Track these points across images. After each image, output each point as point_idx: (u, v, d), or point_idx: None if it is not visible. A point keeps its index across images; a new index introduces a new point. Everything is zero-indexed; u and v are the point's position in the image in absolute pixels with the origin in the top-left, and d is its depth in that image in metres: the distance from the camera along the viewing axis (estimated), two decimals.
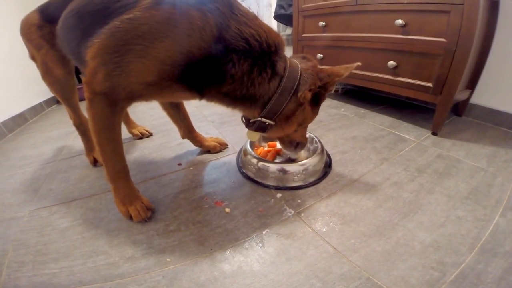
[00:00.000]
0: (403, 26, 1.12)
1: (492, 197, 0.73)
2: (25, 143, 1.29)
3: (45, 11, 0.78)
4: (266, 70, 0.60)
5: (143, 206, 0.69)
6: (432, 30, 1.04)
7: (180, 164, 0.95)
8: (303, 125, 0.73)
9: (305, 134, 0.80)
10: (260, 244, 0.61)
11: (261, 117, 0.65)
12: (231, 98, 0.62)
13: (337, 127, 1.23)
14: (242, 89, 0.60)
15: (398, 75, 1.22)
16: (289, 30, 2.08)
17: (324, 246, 0.59)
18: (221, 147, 1.02)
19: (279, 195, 0.76)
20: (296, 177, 0.79)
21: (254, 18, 0.60)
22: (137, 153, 1.06)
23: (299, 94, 0.64)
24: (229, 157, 0.99)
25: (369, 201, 0.72)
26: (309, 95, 0.64)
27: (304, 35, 1.61)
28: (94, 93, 0.57)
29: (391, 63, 1.20)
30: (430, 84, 1.10)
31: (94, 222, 0.70)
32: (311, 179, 0.81)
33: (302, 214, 0.69)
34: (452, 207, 0.69)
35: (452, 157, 0.95)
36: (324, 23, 1.45)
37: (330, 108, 1.48)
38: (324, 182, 0.82)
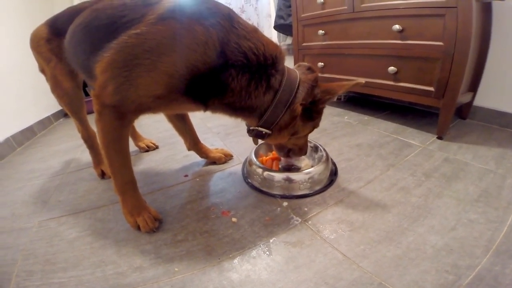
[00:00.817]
0: (401, 31, 1.14)
1: (504, 199, 0.72)
2: (34, 156, 1.32)
3: (53, 25, 0.81)
4: (261, 84, 0.62)
5: (151, 216, 0.69)
6: (429, 34, 1.05)
7: (186, 176, 0.96)
8: (296, 136, 0.74)
9: (301, 143, 0.80)
10: (267, 252, 0.61)
11: (258, 127, 0.68)
12: (232, 108, 0.65)
13: (341, 135, 1.23)
14: (241, 101, 0.62)
15: (400, 81, 1.23)
16: (289, 40, 2.13)
17: (333, 253, 0.58)
18: (226, 158, 1.03)
19: (285, 203, 0.76)
20: (302, 185, 0.79)
21: (254, 31, 0.62)
22: (143, 166, 1.07)
23: (292, 107, 0.65)
24: (234, 167, 0.99)
25: (377, 207, 0.72)
26: (299, 109, 0.66)
27: (304, 44, 1.65)
28: (103, 106, 0.59)
29: (392, 68, 1.22)
30: (431, 88, 1.11)
31: (102, 232, 0.71)
32: (317, 187, 0.81)
33: (309, 222, 0.68)
34: (462, 210, 0.68)
35: (459, 160, 0.94)
36: (323, 31, 1.49)
37: (333, 116, 1.49)
38: (330, 189, 0.82)
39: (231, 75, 0.58)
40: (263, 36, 0.64)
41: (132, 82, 0.56)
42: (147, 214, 0.69)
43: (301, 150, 0.82)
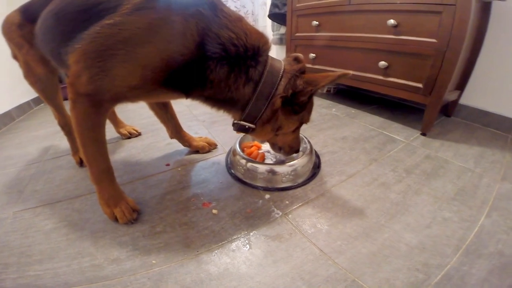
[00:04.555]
0: (395, 26, 1.13)
1: (478, 198, 0.74)
2: (11, 142, 1.26)
3: (26, 11, 0.76)
4: (240, 76, 0.60)
5: (129, 207, 0.68)
6: (423, 30, 1.05)
7: (168, 165, 0.94)
8: (281, 131, 0.71)
9: (290, 140, 0.77)
10: (247, 246, 0.60)
11: (241, 120, 0.66)
12: (213, 101, 0.63)
13: (327, 127, 1.23)
14: (221, 94, 0.61)
15: (389, 76, 1.23)
16: (283, 29, 2.08)
17: (310, 248, 0.59)
18: (210, 147, 1.01)
19: (267, 196, 0.76)
20: (284, 178, 0.79)
21: (238, 19, 0.59)
22: (124, 153, 1.04)
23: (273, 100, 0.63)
24: (218, 157, 0.98)
25: (356, 202, 0.72)
26: (278, 101, 0.63)
27: (297, 34, 1.62)
28: (77, 94, 0.57)
29: (382, 63, 1.21)
30: (420, 85, 1.11)
31: (79, 223, 0.68)
32: (300, 180, 0.81)
33: (290, 216, 0.68)
34: (438, 208, 0.70)
35: (440, 157, 0.96)
36: (317, 22, 1.45)
37: (321, 108, 1.48)
38: (312, 182, 0.82)
39: (209, 67, 0.56)
40: (247, 25, 0.60)
41: (106, 73, 0.53)
42: (125, 205, 0.67)
43: (292, 148, 0.79)
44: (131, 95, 0.58)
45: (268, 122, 0.67)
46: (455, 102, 1.30)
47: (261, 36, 0.62)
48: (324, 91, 1.77)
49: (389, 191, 0.77)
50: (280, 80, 0.62)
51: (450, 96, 1.19)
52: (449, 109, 1.34)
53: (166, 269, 0.55)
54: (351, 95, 1.67)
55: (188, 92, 0.60)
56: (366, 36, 1.26)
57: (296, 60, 0.68)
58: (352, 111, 1.43)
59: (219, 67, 0.56)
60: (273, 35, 2.21)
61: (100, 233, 0.65)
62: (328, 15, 1.42)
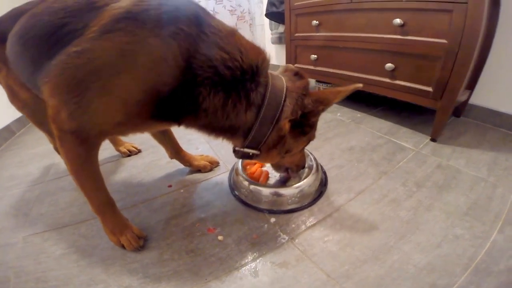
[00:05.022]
0: (402, 25, 1.12)
1: (492, 211, 0.76)
2: (12, 160, 1.31)
3: None
4: (241, 101, 0.56)
5: (134, 236, 0.71)
6: (432, 30, 1.04)
7: (170, 186, 0.97)
8: (290, 153, 0.71)
9: (297, 159, 0.79)
10: (254, 273, 0.64)
11: (244, 147, 0.64)
12: (209, 129, 0.61)
13: (333, 135, 1.25)
14: (219, 122, 0.58)
15: (396, 78, 1.24)
16: (281, 28, 2.10)
17: (317, 274, 0.61)
18: (212, 165, 1.04)
19: (273, 219, 0.79)
20: (290, 200, 0.82)
21: (230, 34, 0.55)
22: (125, 173, 1.08)
23: (279, 123, 0.61)
24: (220, 176, 1.01)
25: (365, 223, 0.75)
26: (287, 126, 0.61)
27: (296, 34, 1.63)
28: (62, 131, 0.55)
29: (389, 65, 1.22)
30: (430, 89, 1.11)
31: (87, 249, 0.73)
32: (306, 201, 0.84)
33: (296, 240, 0.71)
34: (450, 224, 0.72)
35: (452, 167, 0.98)
36: (317, 22, 1.47)
37: (326, 112, 1.48)
38: (319, 202, 0.84)
39: (201, 94, 0.53)
40: (241, 40, 0.56)
41: (85, 109, 0.51)
42: (130, 234, 0.71)
43: (298, 166, 0.81)
44: (118, 130, 0.57)
45: (275, 147, 0.65)
46: (465, 102, 1.31)
47: (259, 52, 0.58)
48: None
49: (400, 208, 0.79)
50: (284, 100, 0.60)
51: (461, 96, 1.20)
52: (458, 109, 1.34)
53: None
54: (356, 96, 1.67)
55: (179, 120, 0.59)
56: (371, 36, 1.27)
57: (297, 75, 0.67)
58: (358, 115, 1.45)
59: (213, 94, 0.53)
60: (272, 34, 2.23)
61: (110, 260, 0.69)
62: (328, 14, 1.43)
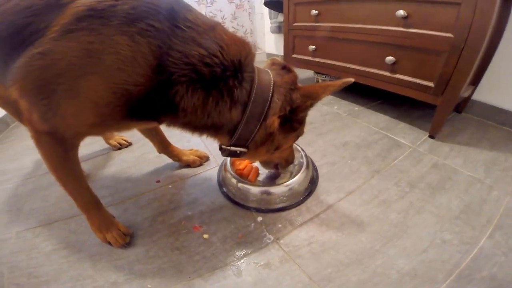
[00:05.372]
0: (405, 17, 1.09)
1: (484, 215, 0.76)
2: (5, 153, 1.32)
3: None
4: (223, 99, 0.55)
5: (120, 233, 0.72)
6: (438, 23, 1.01)
7: (158, 181, 0.98)
8: (280, 149, 0.71)
9: (286, 155, 0.79)
10: (237, 273, 0.65)
11: (230, 146, 0.64)
12: (191, 127, 0.60)
13: (328, 130, 1.25)
14: (200, 121, 0.57)
15: (396, 72, 1.22)
16: (281, 17, 2.06)
17: (300, 276, 0.63)
18: (201, 160, 1.05)
19: (259, 218, 0.80)
20: (278, 199, 0.82)
21: (209, 29, 0.52)
22: (115, 168, 1.09)
23: (267, 120, 0.60)
24: (210, 171, 1.02)
25: (352, 225, 0.76)
26: (276, 122, 0.60)
27: (295, 24, 1.60)
28: (36, 132, 0.55)
29: (390, 58, 1.20)
30: (431, 84, 1.10)
31: (76, 245, 0.75)
32: (295, 200, 0.84)
33: (282, 241, 0.72)
34: (439, 229, 0.73)
35: (448, 166, 0.98)
36: (316, 11, 1.43)
37: (323, 105, 1.49)
38: (308, 201, 0.85)
39: (177, 93, 0.51)
40: (222, 34, 0.54)
41: (55, 112, 0.50)
42: (116, 231, 0.72)
43: (288, 161, 0.82)
44: (94, 131, 0.57)
45: (263, 144, 0.65)
46: (467, 98, 1.29)
47: (242, 45, 0.56)
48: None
49: (390, 210, 0.80)
50: (272, 96, 0.59)
51: (463, 92, 1.18)
52: (460, 105, 1.33)
53: None
54: (355, 88, 1.63)
55: (158, 119, 0.57)
56: (372, 28, 1.24)
57: (285, 69, 0.66)
58: (356, 108, 1.43)
59: (191, 93, 0.51)
60: (271, 23, 2.19)
61: (97, 256, 0.71)
62: (328, 4, 1.39)
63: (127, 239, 0.74)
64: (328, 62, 1.48)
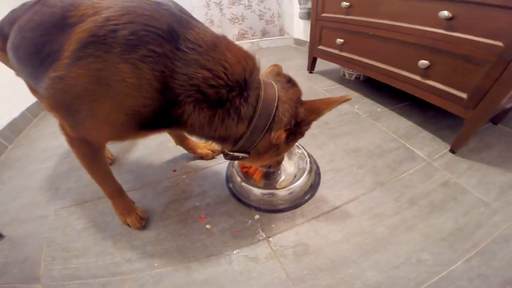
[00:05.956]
0: (449, 19, 1.06)
1: (473, 239, 0.84)
2: (47, 130, 1.63)
3: (1, 31, 0.82)
4: (230, 117, 0.62)
5: (138, 217, 0.94)
6: (486, 29, 0.97)
7: (174, 171, 1.19)
8: (280, 155, 0.82)
9: (281, 158, 0.93)
10: (228, 262, 0.83)
11: (233, 152, 0.74)
12: (198, 136, 0.68)
13: (342, 133, 1.33)
14: (207, 134, 0.66)
15: (428, 78, 1.23)
16: (310, 3, 2.06)
17: (279, 273, 0.79)
18: (214, 154, 1.22)
19: (257, 216, 0.96)
20: (278, 201, 0.97)
21: (211, 48, 0.57)
22: (138, 153, 1.31)
23: (272, 134, 0.68)
24: (220, 166, 1.19)
25: (339, 234, 0.88)
26: (283, 136, 0.69)
27: (323, 14, 1.62)
28: (69, 137, 0.70)
29: (423, 62, 1.21)
30: (464, 95, 1.09)
31: (102, 225, 0.98)
32: (293, 203, 0.98)
33: (271, 239, 0.88)
34: (420, 248, 0.82)
35: (458, 185, 1.03)
36: (348, 3, 1.45)
37: (343, 103, 1.54)
38: (305, 206, 0.99)
39: (185, 112, 0.58)
40: (225, 52, 0.59)
41: (81, 125, 0.62)
42: (135, 215, 0.93)
43: (279, 162, 0.96)
44: (116, 140, 0.72)
45: (266, 152, 0.75)
46: (508, 109, 1.27)
47: (246, 62, 0.61)
48: (353, 78, 1.78)
49: (379, 225, 0.90)
50: (276, 110, 0.66)
51: (506, 104, 1.14)
52: (497, 116, 1.30)
53: (164, 271, 0.81)
54: (383, 86, 1.66)
55: (170, 128, 0.67)
56: (408, 26, 1.24)
57: (290, 82, 0.73)
58: (378, 109, 1.47)
59: (197, 112, 0.58)
60: (300, 8, 2.21)
61: (118, 235, 0.94)
62: None
63: (143, 223, 0.95)
64: (355, 58, 1.51)
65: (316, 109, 0.70)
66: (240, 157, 0.77)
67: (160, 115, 0.60)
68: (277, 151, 0.76)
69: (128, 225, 0.95)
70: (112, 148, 1.33)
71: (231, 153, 0.75)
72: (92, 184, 1.13)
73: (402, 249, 0.83)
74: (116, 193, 0.92)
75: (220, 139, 0.70)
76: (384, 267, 0.78)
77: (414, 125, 1.35)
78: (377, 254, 0.82)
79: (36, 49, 0.62)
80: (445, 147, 1.21)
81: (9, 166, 1.35)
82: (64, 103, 0.58)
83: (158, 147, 1.34)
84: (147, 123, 0.61)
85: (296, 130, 0.72)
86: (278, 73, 0.78)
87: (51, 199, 1.12)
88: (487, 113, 1.05)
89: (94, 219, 1.01)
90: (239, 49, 0.63)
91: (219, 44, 0.59)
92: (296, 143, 1.12)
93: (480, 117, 1.07)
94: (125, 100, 0.55)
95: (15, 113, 1.62)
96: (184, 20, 0.58)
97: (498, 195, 0.98)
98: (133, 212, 0.94)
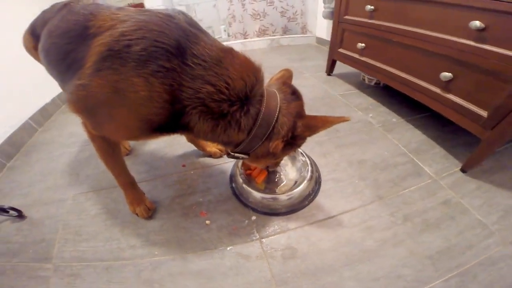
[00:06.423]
0: (480, 30, 1.05)
1: (460, 260, 0.90)
2: (73, 117, 1.79)
3: (33, 32, 0.96)
4: (232, 127, 0.72)
5: (146, 208, 1.09)
6: None
7: (184, 166, 1.34)
8: (275, 160, 0.93)
9: (279, 160, 1.04)
10: (221, 257, 0.96)
11: (234, 153, 0.84)
12: (205, 140, 0.80)
13: (350, 142, 1.41)
14: (212, 139, 0.77)
15: (449, 91, 1.24)
16: (334, 3, 2.09)
17: (265, 272, 0.91)
18: (222, 153, 1.35)
19: (254, 217, 1.08)
20: (275, 205, 1.09)
21: (215, 63, 0.66)
22: (154, 146, 1.48)
23: (270, 143, 0.78)
24: (227, 165, 1.32)
25: (328, 242, 0.98)
26: (280, 146, 0.79)
27: (346, 17, 1.67)
28: (91, 134, 0.85)
29: (446, 74, 1.21)
30: (484, 113, 1.10)
31: (113, 212, 1.15)
32: (289, 208, 1.09)
33: (264, 241, 1.00)
34: (404, 264, 0.90)
35: (460, 206, 1.08)
36: (372, 7, 1.48)
37: (357, 109, 1.60)
38: (301, 212, 1.09)
39: (191, 120, 0.69)
40: (228, 68, 0.67)
41: (101, 126, 0.75)
42: (143, 206, 1.09)
43: (277, 164, 1.07)
44: (132, 140, 0.87)
45: (264, 157, 0.85)
46: None
47: (249, 76, 0.69)
48: (373, 83, 1.81)
49: (369, 237, 0.99)
50: (276, 121, 0.75)
51: None
52: None
53: (162, 260, 0.96)
54: (402, 94, 1.64)
55: (179, 132, 0.78)
56: (435, 35, 1.24)
57: (294, 94, 0.82)
58: (393, 119, 1.51)
59: (202, 121, 0.68)
60: (324, 7, 2.23)
61: (127, 223, 1.10)
62: (388, 0, 1.43)
63: (150, 213, 1.10)
64: (375, 64, 1.55)
65: (312, 126, 0.78)
66: (241, 157, 0.88)
67: (170, 122, 0.71)
68: (274, 157, 0.87)
69: (137, 214, 1.10)
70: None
71: (232, 153, 0.86)
72: (108, 172, 1.31)
73: (386, 262, 0.92)
74: (128, 185, 1.08)
75: (223, 143, 0.82)
76: (365, 278, 0.88)
77: (428, 140, 1.38)
78: (361, 265, 0.91)
79: (63, 55, 0.74)
80: (456, 166, 1.25)
81: (38, 149, 1.58)
82: (86, 107, 0.71)
83: (172, 140, 1.50)
84: (159, 128, 0.72)
85: (292, 142, 0.81)
86: (284, 82, 0.86)
87: (71, 184, 1.31)
88: (505, 135, 1.06)
89: (107, 206, 1.18)
90: (243, 63, 0.71)
91: (224, 59, 0.68)
92: (301, 151, 1.23)
93: (497, 138, 1.08)
94: (139, 109, 0.65)
95: (47, 99, 1.85)
96: (191, 34, 0.66)
97: (499, 218, 1.02)
98: (142, 203, 1.10)
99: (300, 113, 0.80)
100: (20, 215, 1.14)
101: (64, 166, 1.43)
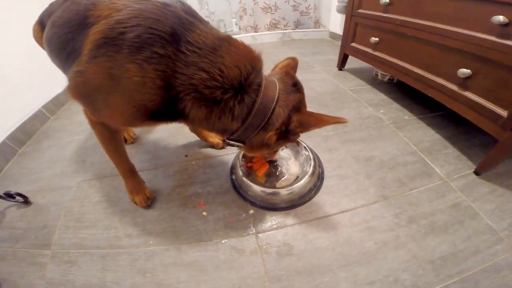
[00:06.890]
0: (504, 25, 0.99)
1: (462, 266, 0.85)
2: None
3: (42, 22, 0.97)
4: (226, 115, 0.71)
5: (145, 197, 1.08)
6: None
7: (186, 156, 1.32)
8: (271, 150, 0.90)
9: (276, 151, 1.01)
10: (215, 249, 0.94)
11: (229, 140, 0.83)
12: (201, 128, 0.82)
13: (358, 138, 1.35)
14: (207, 127, 0.76)
15: (467, 89, 1.18)
16: None
17: (259, 268, 0.88)
18: (224, 144, 1.33)
19: (251, 211, 1.06)
20: (275, 200, 1.05)
21: (210, 51, 0.65)
22: (158, 135, 1.47)
23: (265, 134, 0.77)
24: (228, 156, 1.30)
25: (326, 241, 0.94)
26: (274, 137, 0.78)
27: (359, 10, 1.60)
28: (91, 120, 0.86)
29: (464, 71, 1.15)
30: (504, 113, 1.04)
31: (114, 200, 1.15)
32: (289, 204, 1.06)
33: (260, 235, 0.97)
34: (403, 268, 0.85)
35: (471, 209, 1.01)
36: (387, 0, 1.41)
37: (368, 105, 1.54)
38: (300, 208, 1.05)
39: (186, 107, 0.68)
40: (224, 56, 0.66)
41: (99, 112, 0.75)
42: (143, 195, 1.08)
43: (275, 153, 1.06)
44: (129, 126, 0.86)
45: (258, 147, 0.83)
46: None
47: (245, 64, 0.69)
48: (386, 79, 1.73)
49: (369, 238, 0.94)
50: (272, 113, 0.73)
51: None
52: None
53: (157, 250, 0.95)
54: (415, 90, 1.55)
55: (175, 120, 0.76)
56: (454, 30, 1.18)
57: (295, 87, 0.79)
58: (405, 117, 1.44)
59: (196, 108, 0.68)
60: (338, 2, 2.16)
61: (126, 212, 1.10)
62: None
63: (149, 202, 1.09)
64: (388, 59, 1.48)
65: (305, 124, 0.76)
66: (236, 144, 0.86)
67: (166, 108, 0.70)
68: (269, 147, 0.85)
69: (136, 203, 1.10)
70: (136, 128, 1.51)
71: (228, 141, 0.85)
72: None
73: (384, 266, 0.87)
74: (128, 173, 1.08)
75: (219, 131, 0.80)
76: (360, 281, 0.83)
77: (441, 139, 1.31)
78: (358, 267, 0.87)
79: (64, 44, 0.75)
80: (469, 168, 1.17)
81: (49, 136, 1.61)
82: (84, 93, 0.71)
83: (176, 130, 1.50)
84: (155, 114, 0.71)
85: (286, 135, 0.80)
86: (287, 72, 0.82)
87: (77, 171, 1.32)
88: None
89: (108, 194, 1.18)
90: (240, 51, 0.70)
91: (220, 47, 0.67)
92: (304, 145, 1.18)
93: None
94: (133, 94, 0.65)
95: (59, 89, 1.88)
96: (187, 22, 0.66)
97: (511, 224, 0.95)
98: (141, 192, 1.09)
99: (297, 107, 0.78)
100: (26, 201, 1.15)
101: (72, 153, 1.45)
